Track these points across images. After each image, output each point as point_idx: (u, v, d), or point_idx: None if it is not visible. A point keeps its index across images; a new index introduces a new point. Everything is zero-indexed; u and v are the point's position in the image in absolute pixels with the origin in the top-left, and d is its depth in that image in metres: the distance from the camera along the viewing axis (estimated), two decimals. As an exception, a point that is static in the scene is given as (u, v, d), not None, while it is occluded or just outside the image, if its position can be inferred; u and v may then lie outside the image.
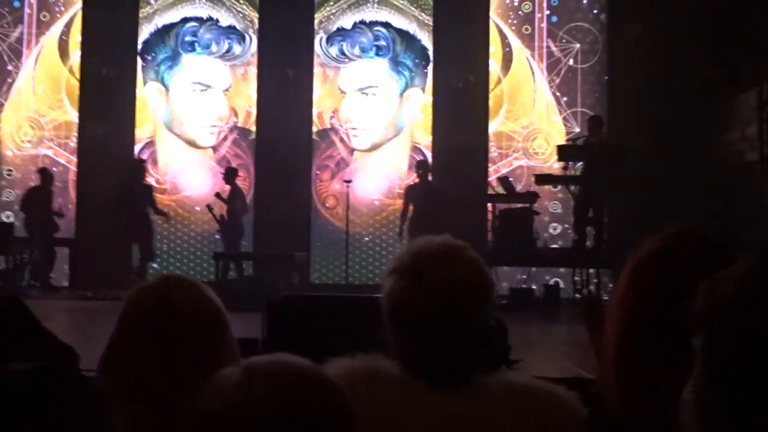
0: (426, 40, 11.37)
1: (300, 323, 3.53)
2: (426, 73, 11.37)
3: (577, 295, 9.12)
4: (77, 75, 11.21)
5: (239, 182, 10.40)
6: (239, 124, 11.29)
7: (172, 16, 11.36)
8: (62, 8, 11.35)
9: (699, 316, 0.89)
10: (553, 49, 11.36)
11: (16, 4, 11.27)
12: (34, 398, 0.87)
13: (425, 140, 11.27)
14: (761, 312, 0.83)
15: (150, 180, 10.80)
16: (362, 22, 11.42)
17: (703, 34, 9.57)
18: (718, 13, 9.34)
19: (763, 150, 8.95)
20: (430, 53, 11.33)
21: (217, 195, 10.18)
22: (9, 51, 11.21)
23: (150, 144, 11.26)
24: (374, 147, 11.26)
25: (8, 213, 10.84)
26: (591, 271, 8.90)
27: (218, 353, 1.53)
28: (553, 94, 11.30)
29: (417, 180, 10.11)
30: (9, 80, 11.17)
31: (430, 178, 10.07)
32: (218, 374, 1.16)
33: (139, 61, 11.27)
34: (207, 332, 1.56)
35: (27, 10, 11.28)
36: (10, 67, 11.19)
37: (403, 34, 11.40)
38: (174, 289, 1.58)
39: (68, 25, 11.31)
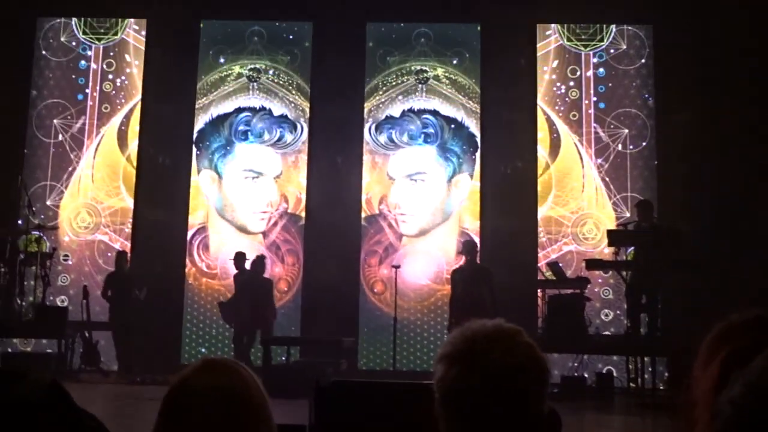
0: (474, 127, 11.51)
1: (348, 410, 3.49)
2: (474, 159, 11.47)
3: (632, 384, 8.85)
4: (134, 163, 11.58)
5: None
6: (289, 210, 11.46)
7: (227, 106, 11.73)
8: (123, 100, 11.81)
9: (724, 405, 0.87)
10: (602, 134, 11.39)
11: (80, 96, 11.78)
12: None
13: (473, 225, 11.27)
14: None
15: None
16: (411, 110, 11.64)
17: (758, 122, 9.50)
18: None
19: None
20: (478, 140, 11.45)
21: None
22: (71, 141, 11.65)
23: (202, 230, 11.47)
24: (422, 232, 11.30)
25: (63, 297, 11.05)
26: (646, 359, 8.66)
27: None
28: (602, 179, 11.27)
29: (464, 263, 9.80)
30: (70, 168, 11.57)
31: (477, 260, 9.89)
32: None
33: (194, 150, 11.60)
34: (246, 415, 1.55)
35: (90, 102, 11.77)
36: (71, 156, 11.61)
37: (450, 121, 11.56)
38: (212, 374, 1.58)
39: (128, 116, 11.74)
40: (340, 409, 3.48)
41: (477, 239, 10.96)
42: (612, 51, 11.59)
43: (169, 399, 1.59)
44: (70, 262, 11.33)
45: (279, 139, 11.65)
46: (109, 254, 11.22)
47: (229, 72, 11.81)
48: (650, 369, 8.59)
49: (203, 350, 10.47)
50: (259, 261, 10.23)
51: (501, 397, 1.45)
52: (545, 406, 1.55)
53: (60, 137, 11.64)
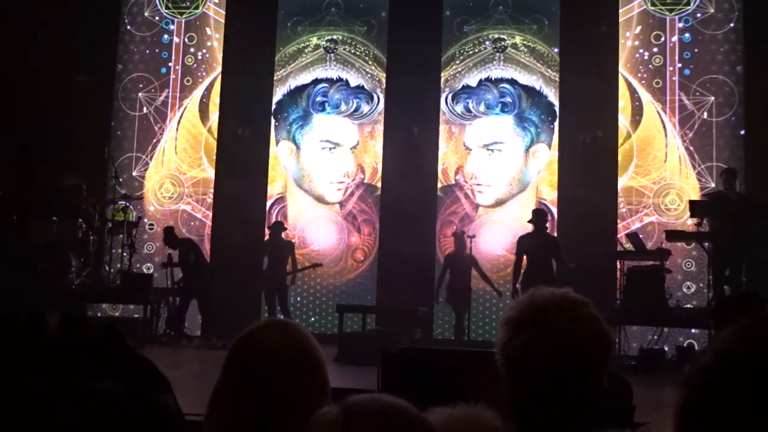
0: (552, 96, 11.28)
1: (415, 376, 3.49)
2: (552, 128, 11.26)
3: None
4: (215, 135, 11.81)
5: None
6: (365, 181, 11.51)
7: (305, 78, 11.81)
8: (204, 73, 12.04)
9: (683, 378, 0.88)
10: (686, 102, 10.99)
11: (163, 70, 12.05)
12: (115, 417, 0.91)
13: (551, 196, 11.09)
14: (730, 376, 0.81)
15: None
16: (488, 80, 11.48)
17: None
18: None
19: None
20: (557, 109, 11.22)
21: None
22: (155, 113, 11.95)
23: (281, 200, 11.64)
24: (499, 203, 11.18)
25: (149, 264, 11.42)
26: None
27: (312, 398, 1.54)
28: (686, 148, 10.89)
29: (532, 231, 9.53)
30: (154, 140, 11.90)
31: (548, 228, 9.73)
32: (318, 413, 1.18)
33: (273, 121, 11.75)
34: (304, 370, 1.58)
35: (172, 76, 12.04)
36: (155, 129, 11.93)
37: (528, 90, 11.36)
38: (273, 333, 1.62)
39: (209, 89, 11.97)
40: (407, 375, 3.49)
41: (554, 210, 10.78)
42: (698, 15, 11.14)
43: (234, 351, 1.65)
44: (155, 231, 11.68)
45: (356, 110, 11.67)
46: (192, 223, 11.52)
47: (307, 43, 11.87)
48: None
49: (281, 317, 10.65)
50: (274, 225, 10.65)
51: (566, 365, 1.46)
52: (605, 378, 1.55)
53: (144, 110, 11.96)
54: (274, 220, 11.36)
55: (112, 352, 0.97)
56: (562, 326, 1.46)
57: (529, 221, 9.53)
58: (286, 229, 10.77)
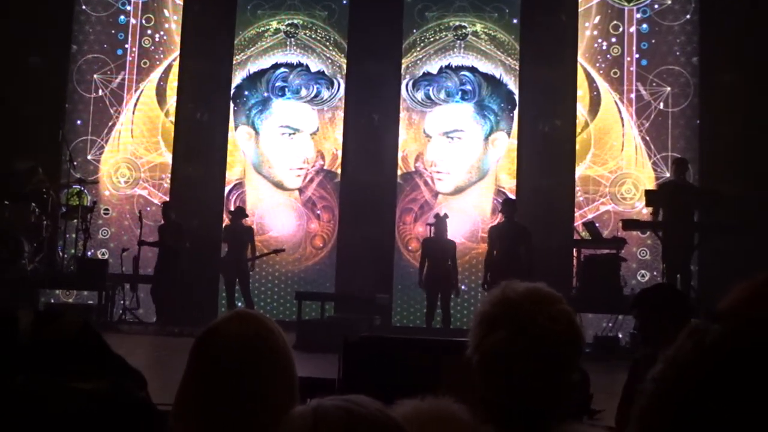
0: (512, 84, 11.35)
1: (376, 365, 3.50)
2: (512, 117, 11.34)
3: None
4: (173, 119, 11.65)
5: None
6: (325, 167, 11.47)
7: (264, 62, 11.71)
8: (162, 56, 11.86)
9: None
10: (643, 92, 11.16)
11: (119, 51, 11.84)
12: (101, 416, 0.91)
13: (510, 184, 11.19)
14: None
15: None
16: (448, 67, 11.50)
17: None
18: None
19: None
20: (516, 97, 11.30)
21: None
22: (111, 96, 11.75)
23: (239, 185, 11.55)
24: (458, 190, 11.24)
25: (104, 250, 11.26)
26: (681, 320, 8.58)
27: (277, 389, 1.54)
28: (643, 138, 11.07)
29: (502, 221, 9.71)
30: (110, 124, 11.70)
31: (516, 218, 9.82)
32: (289, 414, 1.18)
33: (232, 106, 11.63)
34: (268, 363, 1.58)
35: (129, 58, 11.83)
36: (111, 112, 11.72)
37: (489, 78, 11.41)
38: (235, 325, 1.62)
39: (166, 72, 11.79)
40: (369, 363, 3.50)
41: (513, 198, 10.88)
42: (656, 6, 11.30)
43: (198, 345, 1.64)
44: (110, 216, 11.51)
45: (316, 96, 11.62)
46: (149, 208, 11.36)
47: (267, 27, 11.76)
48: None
49: (239, 304, 10.59)
50: (236, 211, 10.62)
51: (541, 363, 1.48)
52: (576, 373, 1.57)
53: (100, 92, 11.75)
54: (232, 206, 11.27)
55: (89, 351, 0.97)
56: (538, 323, 1.48)
57: (499, 211, 9.62)
58: (247, 215, 10.69)
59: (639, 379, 2.79)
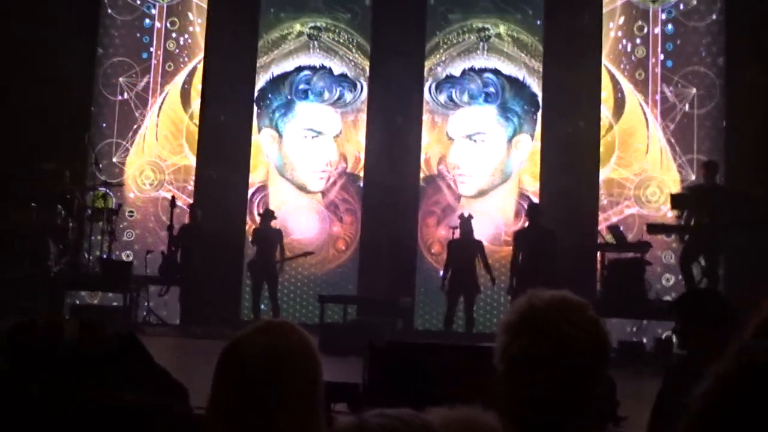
0: (536, 86, 11.31)
1: (402, 370, 3.50)
2: (535, 119, 11.29)
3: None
4: (197, 122, 11.72)
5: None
6: (348, 170, 11.49)
7: (287, 65, 11.75)
8: (186, 59, 11.94)
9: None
10: (668, 94, 11.07)
11: (144, 55, 11.94)
12: (141, 428, 0.93)
13: (533, 187, 11.14)
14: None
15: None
16: (471, 69, 11.49)
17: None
18: None
19: None
20: (540, 100, 11.26)
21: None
22: (136, 99, 11.85)
23: (262, 188, 11.60)
24: (481, 193, 11.21)
25: (128, 252, 11.34)
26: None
27: (303, 398, 1.55)
28: (668, 140, 10.98)
29: (528, 225, 9.74)
30: (135, 126, 11.79)
31: (541, 222, 9.79)
32: (334, 426, 1.19)
33: (255, 109, 11.68)
34: (291, 374, 1.59)
35: (153, 61, 11.93)
36: (136, 114, 11.82)
37: (512, 80, 11.38)
38: (259, 338, 1.62)
39: (190, 75, 11.88)
40: (394, 368, 3.51)
41: (536, 200, 10.84)
42: (682, 7, 11.21)
43: (223, 357, 1.65)
44: (135, 218, 11.60)
45: (339, 98, 11.64)
46: (173, 210, 11.40)
47: (290, 30, 11.81)
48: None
49: (263, 307, 10.64)
50: (265, 213, 10.59)
51: (566, 371, 1.47)
52: (602, 382, 1.56)
53: (125, 95, 11.85)
54: (255, 208, 11.32)
55: (132, 361, 0.98)
56: (563, 331, 1.47)
57: (525, 215, 9.63)
58: (276, 217, 10.68)
59: (673, 386, 2.76)
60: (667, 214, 10.18)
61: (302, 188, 11.52)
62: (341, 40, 11.72)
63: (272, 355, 1.59)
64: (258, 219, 10.94)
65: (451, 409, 1.54)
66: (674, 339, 9.27)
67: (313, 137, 11.59)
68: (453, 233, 10.14)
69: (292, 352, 1.62)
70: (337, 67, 11.68)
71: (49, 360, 0.93)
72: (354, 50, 11.67)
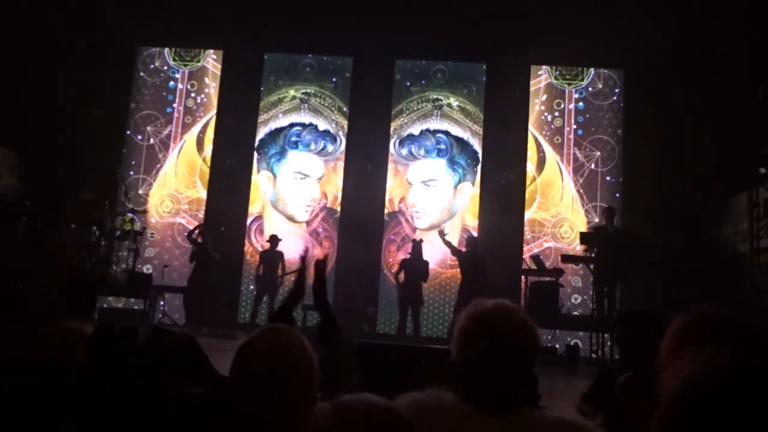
0: (477, 145, 11.48)
1: (371, 367, 3.51)
2: (476, 170, 11.44)
3: (593, 355, 8.82)
4: (208, 163, 11.68)
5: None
6: (328, 205, 11.51)
7: (283, 121, 11.78)
8: (201, 114, 11.92)
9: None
10: (578, 155, 11.31)
11: (168, 110, 11.90)
12: (206, 414, 0.94)
13: (473, 223, 11.26)
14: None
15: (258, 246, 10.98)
16: (427, 130, 11.62)
17: (705, 151, 9.38)
18: (717, 134, 9.18)
19: (753, 243, 8.65)
20: (480, 155, 11.43)
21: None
22: (160, 144, 11.78)
23: (259, 218, 11.55)
24: (432, 227, 11.27)
25: (149, 266, 11.19)
26: (605, 335, 8.63)
27: (299, 391, 1.57)
28: (578, 190, 11.20)
29: (468, 253, 9.85)
30: (158, 165, 11.70)
31: (477, 251, 9.88)
32: (315, 409, 1.21)
33: (255, 155, 11.68)
34: (293, 367, 1.60)
35: (175, 115, 11.89)
36: (159, 156, 11.74)
37: (459, 140, 11.53)
38: (267, 338, 1.64)
39: (205, 126, 11.85)
40: (365, 366, 3.52)
41: (475, 233, 10.95)
42: (590, 89, 11.51)
43: (238, 354, 1.65)
44: (155, 239, 11.46)
45: (322, 149, 11.69)
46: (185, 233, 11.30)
47: (285, 94, 11.87)
48: (609, 343, 8.57)
49: (262, 314, 10.54)
50: (272, 238, 10.48)
51: (514, 363, 1.50)
52: (534, 365, 1.60)
53: (151, 140, 11.77)
54: (252, 233, 11.26)
55: (194, 362, 1.00)
56: (509, 332, 1.51)
57: (466, 246, 9.69)
58: (281, 240, 10.62)
59: (605, 384, 2.81)
60: (577, 247, 10.35)
61: (291, 218, 11.50)
62: (326, 104, 11.81)
63: (278, 352, 1.60)
64: (255, 242, 10.88)
65: (420, 392, 1.56)
66: (580, 345, 9.40)
67: (301, 178, 11.60)
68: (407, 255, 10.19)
69: (293, 349, 1.63)
70: (322, 125, 11.75)
71: (125, 359, 0.95)
72: (336, 112, 11.76)
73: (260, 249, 11.03)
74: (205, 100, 11.95)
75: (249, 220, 11.46)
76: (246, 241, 11.35)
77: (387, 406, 1.18)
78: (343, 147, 11.60)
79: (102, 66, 10.83)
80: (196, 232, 10.27)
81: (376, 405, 1.16)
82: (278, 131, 11.73)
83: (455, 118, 11.58)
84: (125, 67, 11.74)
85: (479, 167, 11.38)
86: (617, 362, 3.35)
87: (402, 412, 1.22)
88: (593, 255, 9.10)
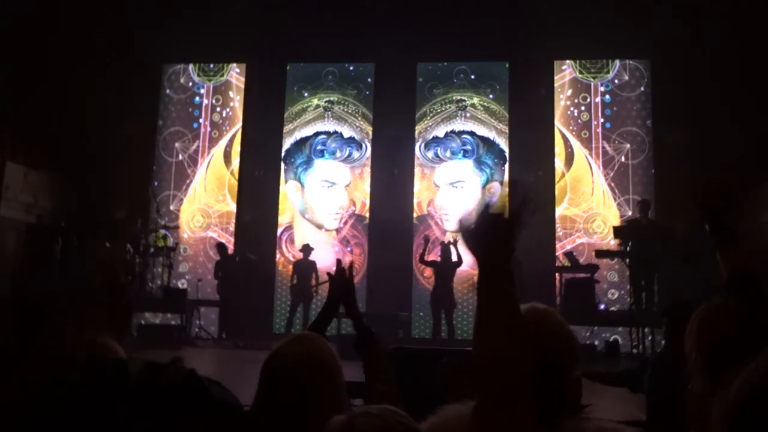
0: (503, 144, 11.37)
1: (406, 371, 3.46)
2: (503, 170, 11.33)
3: (634, 350, 8.64)
4: (236, 176, 11.77)
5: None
6: (356, 212, 11.50)
7: (308, 131, 11.83)
8: (228, 128, 12.03)
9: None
10: (608, 149, 11.14)
11: (195, 125, 12.03)
12: None
13: (503, 223, 11.10)
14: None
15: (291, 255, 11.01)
16: (452, 132, 11.56)
17: (734, 140, 9.13)
18: (746, 123, 8.93)
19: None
20: (507, 154, 11.31)
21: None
22: (188, 159, 11.91)
23: (288, 228, 11.60)
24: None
25: (183, 281, 11.29)
26: (645, 329, 8.44)
27: (324, 398, 1.54)
28: (608, 184, 11.02)
29: None
30: (188, 181, 11.83)
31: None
32: (330, 420, 1.17)
33: (282, 165, 11.73)
34: (319, 375, 1.58)
35: (203, 130, 12.02)
36: (189, 172, 11.87)
37: (485, 140, 11.45)
38: (294, 347, 1.62)
39: (231, 140, 11.95)
40: (400, 371, 3.46)
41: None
42: (616, 81, 11.33)
43: (267, 362, 1.64)
44: (188, 254, 11.57)
45: (348, 156, 11.70)
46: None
47: (309, 103, 11.91)
48: (649, 337, 8.38)
49: (297, 323, 10.55)
50: (305, 248, 10.47)
51: (552, 370, 1.40)
52: (575, 370, 1.51)
53: (180, 157, 11.91)
54: (283, 244, 11.30)
55: (195, 398, 0.94)
56: (540, 337, 1.44)
57: None
58: (313, 249, 10.63)
59: (663, 374, 2.76)
60: (610, 242, 10.17)
61: (320, 227, 11.52)
62: (349, 111, 11.82)
63: (305, 360, 1.59)
64: (286, 252, 10.92)
65: (463, 405, 1.48)
66: (620, 341, 9.21)
67: (328, 187, 11.62)
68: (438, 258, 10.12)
69: (320, 358, 1.62)
70: (347, 132, 11.76)
71: (119, 397, 0.89)
72: (360, 118, 11.76)
73: (292, 259, 11.06)
74: (230, 113, 12.06)
75: (279, 231, 11.50)
76: (277, 251, 11.39)
77: (402, 418, 1.13)
78: (368, 153, 11.59)
79: (130, 86, 11.00)
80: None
81: (391, 417, 1.11)
82: (303, 141, 11.76)
83: (480, 118, 11.49)
84: (152, 85, 11.90)
85: (507, 166, 11.27)
86: (661, 353, 3.26)
87: (417, 427, 1.17)
88: (628, 249, 8.91)
